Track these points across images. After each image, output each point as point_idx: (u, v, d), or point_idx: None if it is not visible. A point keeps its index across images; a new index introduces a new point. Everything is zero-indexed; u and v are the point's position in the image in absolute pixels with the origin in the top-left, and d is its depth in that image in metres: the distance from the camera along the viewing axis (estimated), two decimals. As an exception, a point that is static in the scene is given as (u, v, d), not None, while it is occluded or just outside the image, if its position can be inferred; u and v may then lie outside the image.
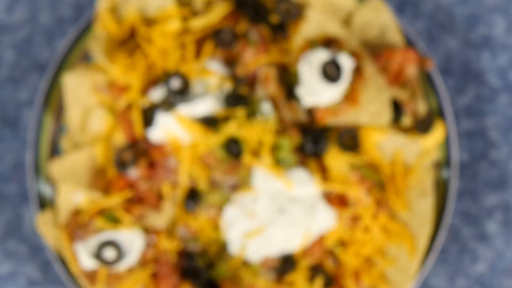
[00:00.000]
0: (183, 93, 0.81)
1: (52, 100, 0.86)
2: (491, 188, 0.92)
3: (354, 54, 0.81)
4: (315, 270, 0.82)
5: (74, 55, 0.86)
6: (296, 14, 0.84)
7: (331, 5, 0.85)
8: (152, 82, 0.83)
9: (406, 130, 0.84)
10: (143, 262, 0.80)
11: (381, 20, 0.84)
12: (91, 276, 0.80)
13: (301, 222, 0.79)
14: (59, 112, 0.86)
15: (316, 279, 0.81)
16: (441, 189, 0.84)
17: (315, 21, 0.82)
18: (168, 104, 0.81)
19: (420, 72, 0.84)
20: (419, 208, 0.81)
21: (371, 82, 0.80)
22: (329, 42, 0.83)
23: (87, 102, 0.83)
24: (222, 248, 0.83)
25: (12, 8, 0.96)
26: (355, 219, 0.82)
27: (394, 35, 0.84)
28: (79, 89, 0.83)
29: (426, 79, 0.84)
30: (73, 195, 0.81)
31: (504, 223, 0.92)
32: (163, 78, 0.82)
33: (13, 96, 0.95)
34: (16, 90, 0.95)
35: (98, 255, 0.78)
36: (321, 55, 0.80)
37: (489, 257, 0.92)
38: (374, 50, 0.84)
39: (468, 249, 0.92)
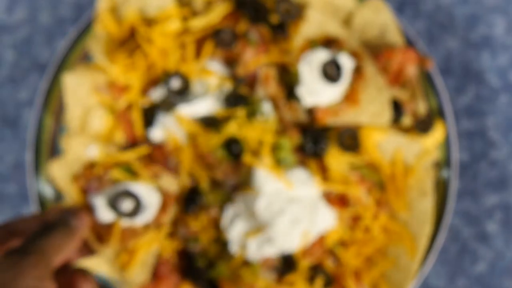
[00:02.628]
0: (183, 93, 0.81)
1: (52, 100, 0.86)
2: (491, 188, 0.92)
3: (354, 54, 0.81)
4: (315, 270, 0.82)
5: (74, 55, 0.86)
6: (296, 14, 0.84)
7: (331, 5, 0.85)
8: (152, 82, 0.83)
9: (406, 130, 0.84)
10: (157, 225, 0.77)
11: (381, 20, 0.84)
12: (102, 235, 0.75)
13: (301, 222, 0.79)
14: (59, 112, 0.86)
15: (316, 279, 0.81)
16: (441, 189, 0.84)
17: (315, 21, 0.82)
18: (168, 104, 0.81)
19: (420, 72, 0.84)
20: (419, 208, 0.81)
21: (371, 82, 0.80)
22: (329, 42, 0.83)
23: (87, 102, 0.83)
24: (222, 248, 0.83)
25: (12, 8, 0.96)
26: (355, 219, 0.82)
27: (394, 35, 0.84)
28: (79, 89, 0.83)
29: (426, 79, 0.85)
30: (86, 149, 0.78)
31: (504, 223, 0.92)
32: (163, 78, 0.82)
33: (13, 96, 0.95)
34: (16, 90, 0.95)
35: (115, 206, 0.73)
36: (321, 55, 0.80)
37: (489, 257, 0.92)
38: (374, 50, 0.84)
39: (468, 249, 0.92)
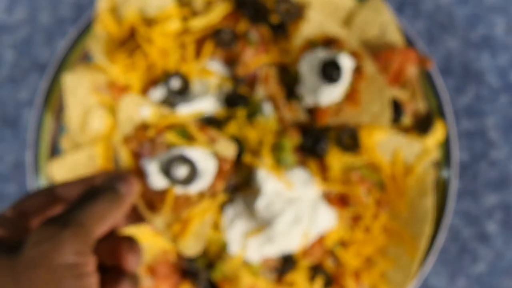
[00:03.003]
0: (183, 93, 0.81)
1: (52, 100, 0.86)
2: (491, 188, 0.92)
3: (354, 54, 0.81)
4: (315, 270, 0.82)
5: (74, 55, 0.86)
6: (296, 14, 0.84)
7: (331, 5, 0.85)
8: (152, 82, 0.83)
9: (406, 130, 0.84)
10: (212, 193, 0.70)
11: (381, 20, 0.84)
12: (154, 203, 0.68)
13: (301, 222, 0.79)
14: (59, 112, 0.86)
15: (316, 279, 0.81)
16: (441, 189, 0.84)
17: (315, 21, 0.82)
18: (168, 104, 0.81)
19: (420, 72, 0.84)
20: (419, 208, 0.81)
21: (371, 82, 0.80)
22: (329, 42, 0.83)
23: (87, 102, 0.83)
24: (222, 248, 0.83)
25: (12, 8, 0.96)
26: (356, 219, 0.82)
27: (394, 35, 0.84)
28: (79, 89, 0.83)
29: (426, 79, 0.85)
30: (139, 109, 0.70)
31: (504, 223, 0.92)
32: (163, 78, 0.82)
33: (13, 96, 0.95)
34: (16, 90, 0.95)
35: (169, 172, 0.66)
36: (321, 55, 0.80)
37: (489, 257, 0.92)
38: (374, 50, 0.84)
39: (468, 249, 0.92)
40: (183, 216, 0.69)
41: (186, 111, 0.80)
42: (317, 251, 0.81)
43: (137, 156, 0.68)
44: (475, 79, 0.94)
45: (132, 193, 0.56)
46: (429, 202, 0.81)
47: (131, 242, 0.56)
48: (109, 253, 0.55)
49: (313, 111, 0.83)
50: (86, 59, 0.87)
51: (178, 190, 0.67)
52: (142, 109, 0.69)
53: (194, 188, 0.68)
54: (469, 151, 0.93)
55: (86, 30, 0.86)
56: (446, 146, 0.84)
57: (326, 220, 0.80)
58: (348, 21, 0.86)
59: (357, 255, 0.81)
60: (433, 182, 0.82)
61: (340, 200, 0.82)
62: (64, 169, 0.83)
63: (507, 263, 0.91)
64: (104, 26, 0.83)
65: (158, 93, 0.81)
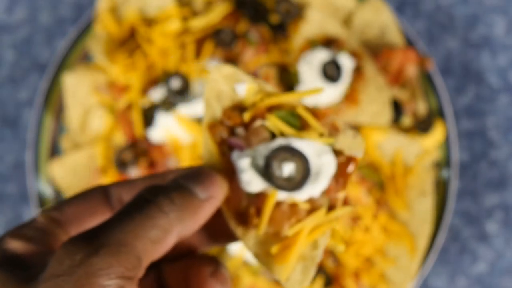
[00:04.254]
0: (183, 93, 0.81)
1: (52, 100, 0.86)
2: (491, 188, 0.92)
3: (354, 54, 0.81)
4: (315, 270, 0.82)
5: (74, 55, 0.86)
6: (296, 14, 0.84)
7: (331, 5, 0.85)
8: (152, 82, 0.83)
9: (406, 130, 0.84)
10: (329, 203, 0.51)
11: (381, 20, 0.84)
12: (244, 212, 0.46)
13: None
14: (59, 112, 0.86)
15: (316, 279, 0.81)
16: (441, 189, 0.84)
17: (315, 21, 0.82)
18: (168, 104, 0.81)
19: (420, 72, 0.84)
20: (419, 208, 0.81)
21: (371, 82, 0.80)
22: (329, 42, 0.83)
23: (87, 102, 0.84)
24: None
25: (12, 8, 0.96)
26: (355, 219, 0.82)
27: (394, 35, 0.84)
28: (79, 89, 0.83)
29: (426, 79, 0.85)
30: (230, 85, 0.49)
31: (504, 223, 0.92)
32: (163, 78, 0.82)
33: (13, 96, 0.95)
34: (16, 90, 0.95)
35: (269, 170, 0.46)
36: (321, 55, 0.80)
37: (489, 257, 0.92)
38: (374, 50, 0.84)
39: (468, 249, 0.92)
40: (285, 232, 0.47)
41: (186, 111, 0.80)
42: (317, 251, 0.81)
43: (224, 147, 0.48)
44: (475, 79, 0.94)
45: (215, 198, 0.39)
46: (429, 202, 0.81)
47: (215, 266, 0.40)
48: (180, 282, 0.40)
49: (312, 111, 0.82)
50: (86, 59, 0.87)
51: (281, 195, 0.47)
52: (237, 84, 0.49)
53: (304, 194, 0.48)
54: (469, 151, 0.93)
55: (86, 30, 0.86)
56: (446, 146, 0.84)
57: (326, 220, 0.80)
58: (348, 21, 0.86)
59: (357, 255, 0.82)
60: (433, 182, 0.82)
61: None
62: (64, 169, 0.83)
63: (507, 263, 0.91)
64: (104, 26, 0.83)
65: (158, 93, 0.81)
